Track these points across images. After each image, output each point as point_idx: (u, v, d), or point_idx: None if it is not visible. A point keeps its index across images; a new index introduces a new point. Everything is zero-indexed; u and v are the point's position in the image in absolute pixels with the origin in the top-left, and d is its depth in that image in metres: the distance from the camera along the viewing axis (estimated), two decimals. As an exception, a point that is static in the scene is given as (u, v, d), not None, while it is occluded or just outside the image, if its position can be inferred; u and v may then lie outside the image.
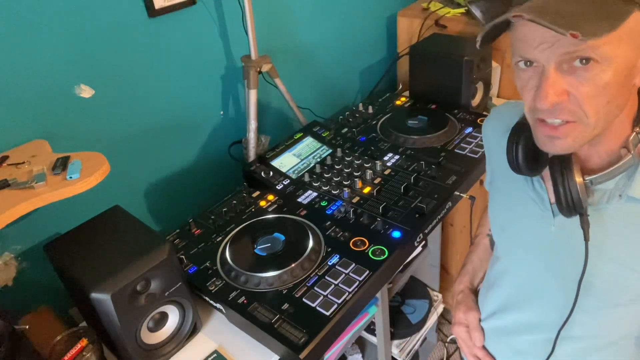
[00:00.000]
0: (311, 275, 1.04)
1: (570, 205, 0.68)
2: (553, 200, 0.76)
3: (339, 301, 0.98)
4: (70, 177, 0.91)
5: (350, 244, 1.11)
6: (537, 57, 0.60)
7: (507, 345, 0.91)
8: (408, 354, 1.82)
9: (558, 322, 0.77)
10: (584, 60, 0.57)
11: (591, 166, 0.70)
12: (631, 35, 0.57)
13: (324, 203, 1.25)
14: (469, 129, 1.49)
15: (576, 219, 0.70)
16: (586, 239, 0.69)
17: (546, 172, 0.76)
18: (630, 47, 0.57)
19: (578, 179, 0.67)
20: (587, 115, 0.60)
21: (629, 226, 0.69)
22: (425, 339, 1.90)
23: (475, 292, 1.00)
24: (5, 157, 0.99)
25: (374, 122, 1.59)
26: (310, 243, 1.10)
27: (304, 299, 0.99)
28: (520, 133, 0.74)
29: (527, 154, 0.74)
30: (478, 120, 1.52)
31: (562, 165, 0.68)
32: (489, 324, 0.94)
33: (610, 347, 0.78)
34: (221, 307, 1.03)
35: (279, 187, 1.33)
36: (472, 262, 1.04)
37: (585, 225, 0.69)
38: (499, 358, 0.93)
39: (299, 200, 1.28)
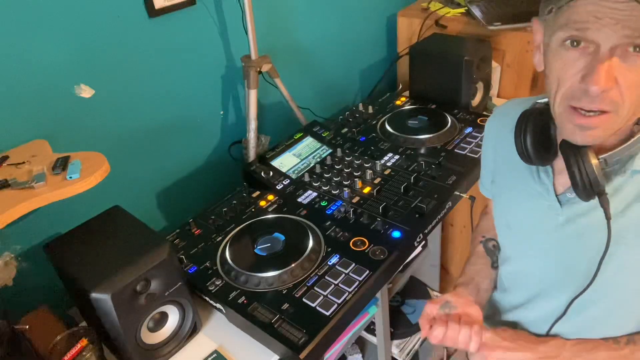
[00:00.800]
0: (311, 275, 1.04)
1: (588, 187, 0.66)
2: (559, 191, 0.76)
3: (339, 301, 0.98)
4: (70, 177, 0.91)
5: (350, 244, 1.11)
6: (597, 33, 0.57)
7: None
8: (408, 354, 1.82)
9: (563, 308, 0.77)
10: (637, 48, 0.56)
11: (602, 146, 0.69)
12: None
13: (324, 203, 1.25)
14: (469, 129, 1.49)
15: (586, 207, 0.69)
16: (608, 217, 0.67)
17: (557, 161, 0.75)
18: None
19: (593, 160, 0.65)
20: (624, 105, 0.59)
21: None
22: (425, 339, 1.90)
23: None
24: (5, 157, 0.99)
25: (374, 122, 1.59)
26: (310, 243, 1.10)
27: (303, 299, 0.99)
28: (528, 120, 0.73)
29: (535, 140, 0.72)
30: (478, 120, 1.52)
31: (575, 147, 0.67)
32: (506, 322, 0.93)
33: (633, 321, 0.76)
34: (221, 307, 1.03)
35: (279, 187, 1.33)
36: (466, 275, 0.99)
37: (605, 204, 0.67)
38: None
39: (299, 200, 1.28)
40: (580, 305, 0.76)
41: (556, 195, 0.76)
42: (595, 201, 0.68)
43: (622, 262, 0.70)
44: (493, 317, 0.97)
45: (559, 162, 0.74)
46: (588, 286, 0.72)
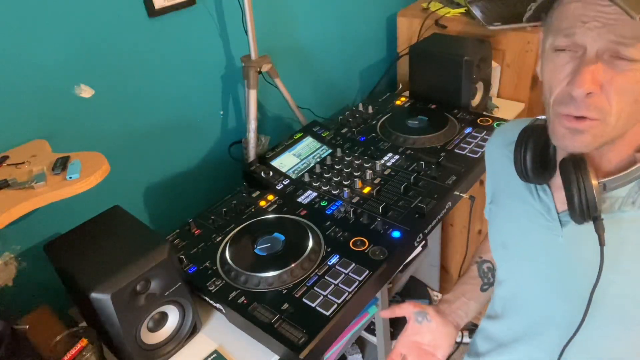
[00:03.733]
0: (311, 275, 1.04)
1: (585, 209, 0.64)
2: (560, 209, 0.73)
3: (339, 301, 0.98)
4: (70, 177, 0.91)
5: (350, 244, 1.11)
6: (583, 37, 0.57)
7: None
8: (408, 354, 1.82)
9: (560, 340, 0.74)
10: (626, 54, 0.55)
11: (601, 169, 0.67)
12: None
13: (323, 203, 1.25)
14: (469, 129, 1.49)
15: (586, 228, 0.66)
16: (601, 243, 0.65)
17: (554, 180, 0.73)
18: None
19: (594, 181, 0.63)
20: (612, 111, 0.58)
21: None
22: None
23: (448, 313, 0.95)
24: (5, 157, 0.99)
25: (374, 122, 1.59)
26: (310, 243, 1.10)
27: (303, 299, 0.99)
28: (529, 138, 0.72)
29: (535, 158, 0.71)
30: (478, 120, 1.52)
31: (576, 167, 0.65)
32: (497, 356, 0.90)
33: None
34: (221, 307, 1.03)
35: (279, 187, 1.33)
36: (454, 291, 0.98)
37: (600, 230, 0.65)
38: None
39: (299, 200, 1.28)
40: (579, 343, 0.73)
41: (557, 214, 0.73)
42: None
43: (622, 291, 0.68)
44: (489, 353, 0.93)
45: (557, 180, 0.71)
46: (580, 326, 0.70)
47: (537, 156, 0.71)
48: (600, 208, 0.64)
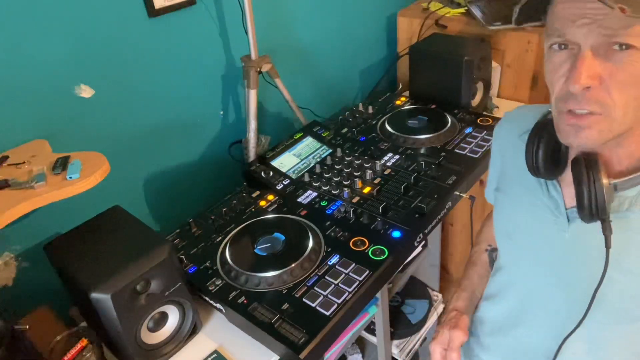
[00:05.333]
0: (311, 275, 1.04)
1: (594, 209, 0.64)
2: (568, 205, 0.73)
3: (339, 301, 0.98)
4: (70, 177, 0.91)
5: (350, 244, 1.11)
6: (574, 35, 0.57)
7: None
8: (408, 354, 1.83)
9: (560, 338, 0.74)
10: (623, 46, 0.55)
11: (613, 170, 0.67)
12: None
13: (324, 203, 1.25)
14: (469, 129, 1.49)
15: (592, 226, 0.66)
16: (608, 246, 0.65)
17: (564, 175, 0.73)
18: None
19: (605, 180, 0.63)
20: (616, 105, 0.58)
21: None
22: (425, 339, 1.90)
23: (470, 312, 0.96)
24: (5, 157, 0.99)
25: (374, 122, 1.59)
26: (310, 243, 1.10)
27: (304, 299, 0.99)
28: (542, 133, 0.71)
29: (547, 154, 0.71)
30: (478, 120, 1.52)
31: (588, 165, 0.64)
32: (492, 339, 0.91)
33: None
34: (221, 307, 1.03)
35: (279, 187, 1.33)
36: (471, 280, 0.99)
37: (607, 232, 0.65)
38: None
39: (299, 200, 1.28)
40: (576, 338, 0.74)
41: (565, 210, 0.73)
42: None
43: (625, 290, 0.68)
44: (483, 334, 0.95)
45: (568, 176, 0.71)
46: (580, 322, 0.71)
47: (549, 152, 0.71)
48: (609, 209, 0.64)
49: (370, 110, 1.65)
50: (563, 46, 0.60)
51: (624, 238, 0.66)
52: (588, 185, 0.64)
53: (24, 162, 0.97)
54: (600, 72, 0.57)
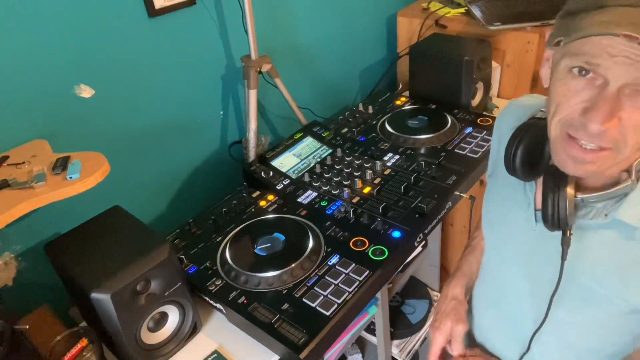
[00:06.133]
0: (311, 275, 1.04)
1: (556, 221, 0.66)
2: (538, 206, 0.74)
3: (339, 301, 0.98)
4: (70, 177, 0.91)
5: (350, 244, 1.11)
6: (608, 69, 0.54)
7: (488, 339, 0.93)
8: (408, 354, 1.83)
9: (532, 325, 0.78)
10: None
11: (584, 184, 0.68)
12: None
13: (324, 203, 1.25)
14: (469, 129, 1.49)
15: (558, 232, 0.68)
16: (563, 258, 0.68)
17: (541, 179, 0.73)
18: None
19: (570, 196, 0.65)
20: (627, 145, 0.57)
21: (609, 248, 0.67)
22: (425, 339, 1.90)
23: (467, 298, 0.99)
24: (5, 157, 0.99)
25: (374, 122, 1.59)
26: (310, 243, 1.10)
27: (304, 299, 0.99)
28: (524, 135, 0.71)
29: (525, 158, 0.71)
30: (478, 120, 1.52)
31: (557, 178, 0.66)
32: (480, 311, 0.96)
33: (591, 355, 0.77)
34: (221, 307, 1.03)
35: (279, 187, 1.33)
36: (469, 264, 1.01)
37: (565, 245, 0.67)
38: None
39: (299, 200, 1.28)
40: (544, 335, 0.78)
41: (535, 210, 0.75)
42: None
43: (579, 293, 0.72)
44: (475, 308, 0.99)
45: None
46: (543, 322, 0.75)
47: (527, 156, 0.71)
48: (571, 223, 0.66)
49: (370, 110, 1.65)
50: (584, 72, 0.56)
51: (583, 244, 0.69)
52: (553, 198, 0.65)
53: (24, 162, 0.97)
54: (622, 114, 0.55)
